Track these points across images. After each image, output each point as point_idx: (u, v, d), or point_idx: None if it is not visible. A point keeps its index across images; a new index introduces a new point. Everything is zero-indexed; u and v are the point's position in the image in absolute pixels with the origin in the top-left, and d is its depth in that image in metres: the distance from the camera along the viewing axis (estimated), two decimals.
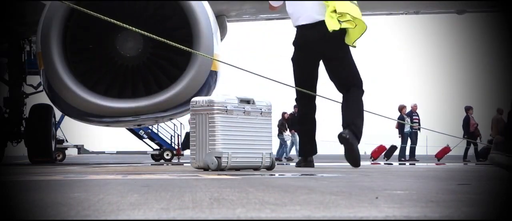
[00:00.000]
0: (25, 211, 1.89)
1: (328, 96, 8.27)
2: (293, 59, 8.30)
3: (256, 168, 7.31)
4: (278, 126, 24.47)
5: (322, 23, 7.94)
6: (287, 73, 8.47)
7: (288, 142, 24.49)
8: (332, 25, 7.86)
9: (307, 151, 8.43)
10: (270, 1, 8.63)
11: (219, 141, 6.99)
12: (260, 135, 7.41)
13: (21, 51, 13.49)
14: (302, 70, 8.22)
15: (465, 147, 21.64)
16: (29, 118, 13.37)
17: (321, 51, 8.13)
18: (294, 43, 8.26)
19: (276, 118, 24.14)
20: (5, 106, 13.33)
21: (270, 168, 7.40)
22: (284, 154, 24.64)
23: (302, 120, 8.64)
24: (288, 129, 24.45)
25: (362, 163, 8.16)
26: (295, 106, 24.16)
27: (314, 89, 8.22)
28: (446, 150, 22.43)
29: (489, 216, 1.77)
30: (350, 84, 8.16)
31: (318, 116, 8.47)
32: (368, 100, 8.37)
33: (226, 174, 5.71)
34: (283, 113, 24.63)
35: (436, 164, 14.26)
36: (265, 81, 7.83)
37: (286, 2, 8.37)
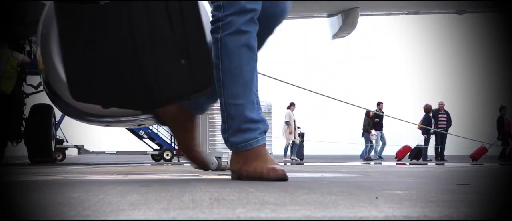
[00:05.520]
0: (25, 211, 1.89)
1: (333, 97, 8.27)
2: None
3: None
4: (364, 125, 23.66)
5: None
6: (288, 73, 8.47)
7: (374, 142, 23.68)
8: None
9: None
10: None
11: (219, 141, 6.99)
12: None
13: (21, 51, 13.48)
14: None
15: (502, 148, 21.12)
16: (29, 118, 13.36)
17: None
18: None
19: (276, 118, 23.73)
20: None
21: None
22: (372, 153, 23.68)
23: None
24: (373, 128, 23.52)
25: (361, 163, 8.14)
26: (378, 103, 23.47)
27: None
28: (483, 150, 21.05)
29: (489, 216, 1.77)
30: None
31: (322, 117, 8.45)
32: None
33: (226, 174, 5.71)
34: (368, 112, 23.22)
35: (471, 164, 14.19)
36: (265, 81, 7.83)
37: None
